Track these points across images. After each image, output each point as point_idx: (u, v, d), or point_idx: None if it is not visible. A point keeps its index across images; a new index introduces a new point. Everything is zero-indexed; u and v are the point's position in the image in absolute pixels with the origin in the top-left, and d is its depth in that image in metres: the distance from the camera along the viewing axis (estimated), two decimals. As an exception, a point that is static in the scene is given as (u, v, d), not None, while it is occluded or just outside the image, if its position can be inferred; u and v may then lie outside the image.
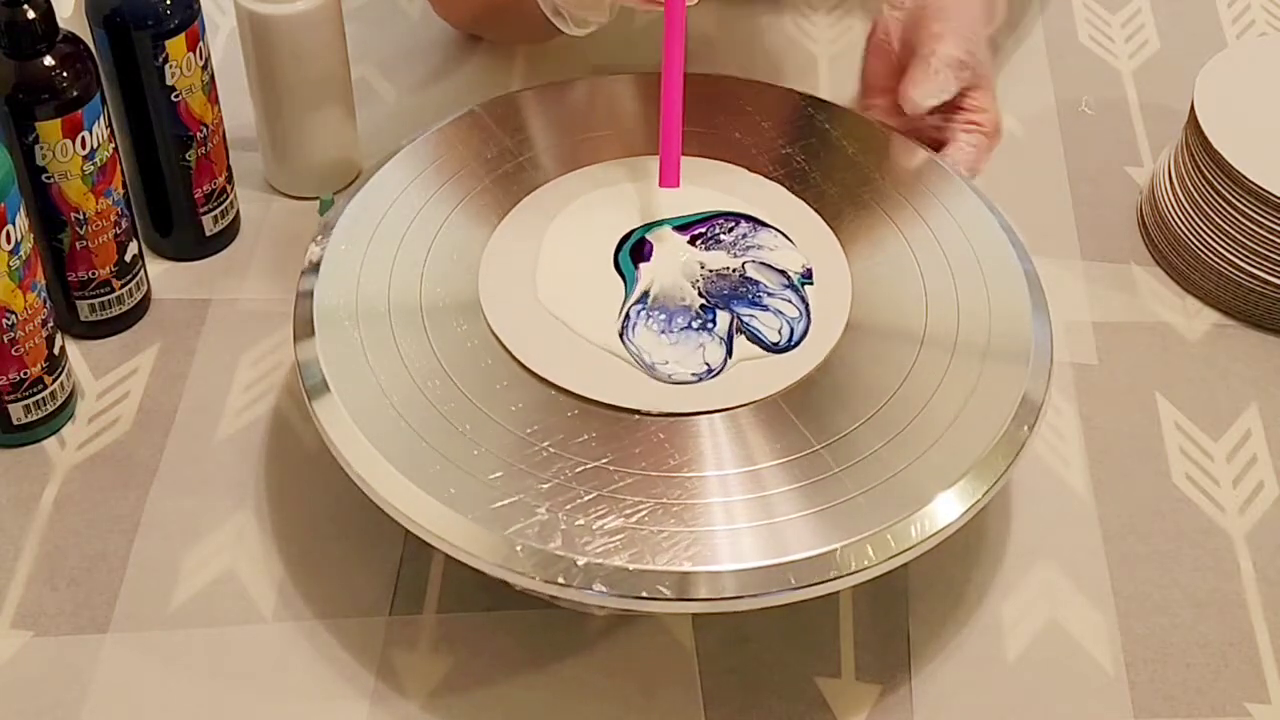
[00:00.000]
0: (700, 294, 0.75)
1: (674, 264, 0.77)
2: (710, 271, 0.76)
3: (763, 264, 0.77)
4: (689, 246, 0.78)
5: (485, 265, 0.77)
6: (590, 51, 0.90)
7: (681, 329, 0.74)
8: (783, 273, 0.77)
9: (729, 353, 0.73)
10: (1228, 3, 1.12)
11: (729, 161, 0.83)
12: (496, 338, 0.74)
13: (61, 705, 0.71)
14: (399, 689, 0.72)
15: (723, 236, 0.78)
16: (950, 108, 0.85)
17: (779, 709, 0.72)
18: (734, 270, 0.77)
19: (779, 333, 0.74)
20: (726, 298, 0.75)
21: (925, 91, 0.83)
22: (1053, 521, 0.79)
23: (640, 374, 0.72)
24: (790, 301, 0.75)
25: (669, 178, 0.80)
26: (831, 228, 0.80)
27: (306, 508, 0.79)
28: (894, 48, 0.87)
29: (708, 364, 0.73)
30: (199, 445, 0.82)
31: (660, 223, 0.79)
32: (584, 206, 0.80)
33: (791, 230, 0.79)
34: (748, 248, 0.78)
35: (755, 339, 0.74)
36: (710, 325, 0.74)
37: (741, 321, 0.74)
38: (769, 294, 0.76)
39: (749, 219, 0.79)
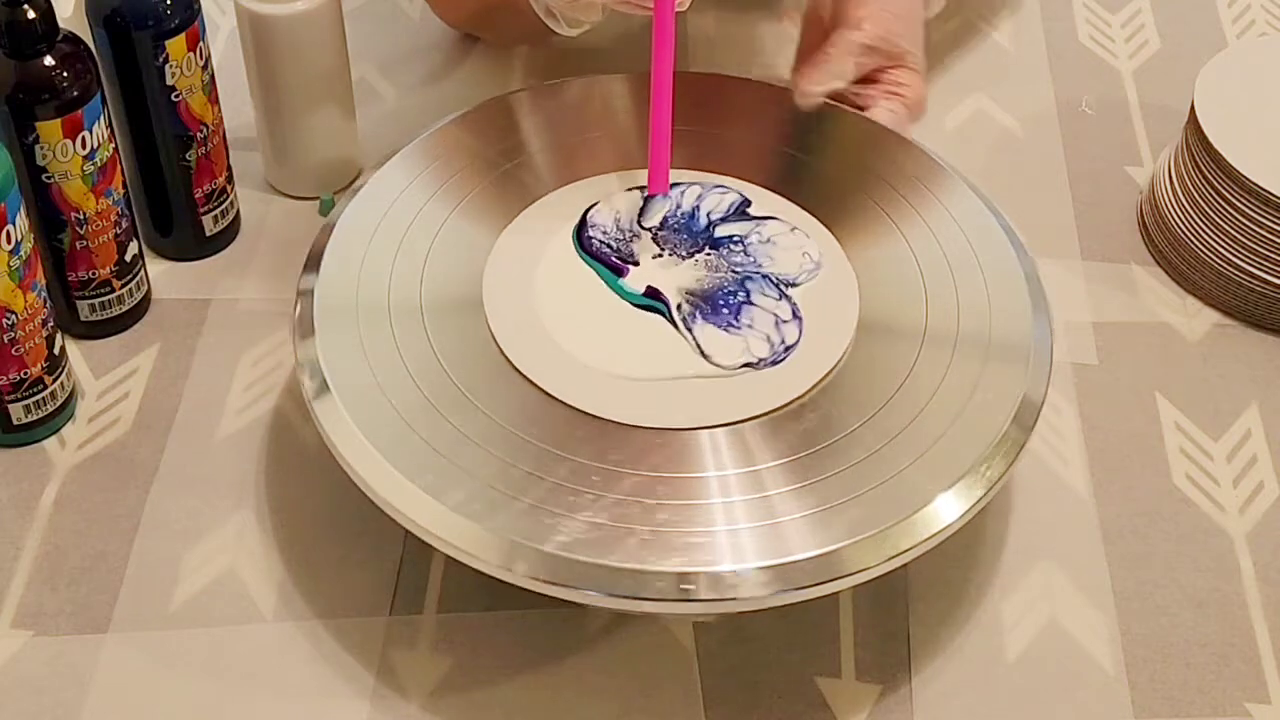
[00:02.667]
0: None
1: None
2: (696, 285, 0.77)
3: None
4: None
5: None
6: (590, 52, 0.90)
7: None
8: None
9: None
10: (1228, 3, 1.12)
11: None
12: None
13: (61, 705, 0.71)
14: (399, 689, 0.72)
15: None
16: (868, 80, 0.87)
17: (779, 709, 0.72)
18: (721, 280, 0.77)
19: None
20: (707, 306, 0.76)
21: (815, 79, 0.85)
22: (1053, 521, 0.79)
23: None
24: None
25: (658, 183, 0.80)
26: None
27: (306, 508, 0.79)
28: (825, 20, 0.89)
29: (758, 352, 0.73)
30: (199, 445, 0.82)
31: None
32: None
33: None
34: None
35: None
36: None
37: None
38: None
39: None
